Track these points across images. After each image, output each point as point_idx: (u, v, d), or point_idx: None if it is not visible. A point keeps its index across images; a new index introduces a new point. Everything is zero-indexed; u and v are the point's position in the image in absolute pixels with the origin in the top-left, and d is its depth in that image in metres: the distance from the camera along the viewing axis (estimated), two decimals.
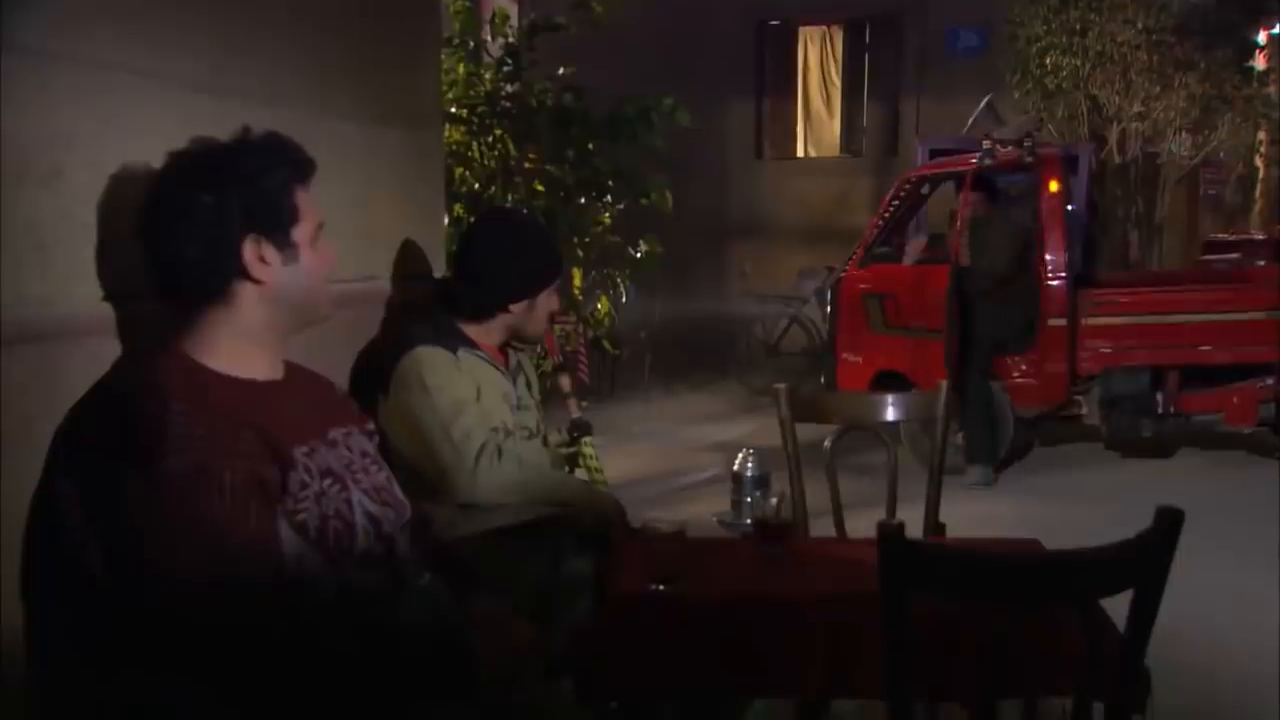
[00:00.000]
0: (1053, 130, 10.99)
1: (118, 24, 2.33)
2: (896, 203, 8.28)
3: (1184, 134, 11.22)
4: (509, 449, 2.95)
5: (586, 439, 3.69)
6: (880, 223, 8.25)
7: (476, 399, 2.97)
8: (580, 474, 3.75)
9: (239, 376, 1.97)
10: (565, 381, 3.85)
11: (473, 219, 4.74)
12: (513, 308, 3.13)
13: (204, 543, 1.74)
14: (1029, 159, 7.85)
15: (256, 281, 1.99)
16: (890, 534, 1.97)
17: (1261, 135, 12.07)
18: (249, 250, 1.97)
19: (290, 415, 1.98)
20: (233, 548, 1.76)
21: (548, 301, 3.20)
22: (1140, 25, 10.59)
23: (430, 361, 2.93)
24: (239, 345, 1.99)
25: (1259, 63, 11.37)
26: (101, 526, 1.73)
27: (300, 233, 2.03)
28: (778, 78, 14.33)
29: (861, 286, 8.09)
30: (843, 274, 8.26)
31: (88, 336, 2.16)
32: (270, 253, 1.99)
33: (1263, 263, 8.35)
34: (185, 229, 1.94)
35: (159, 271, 1.97)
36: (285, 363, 2.11)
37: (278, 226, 2.00)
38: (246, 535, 1.78)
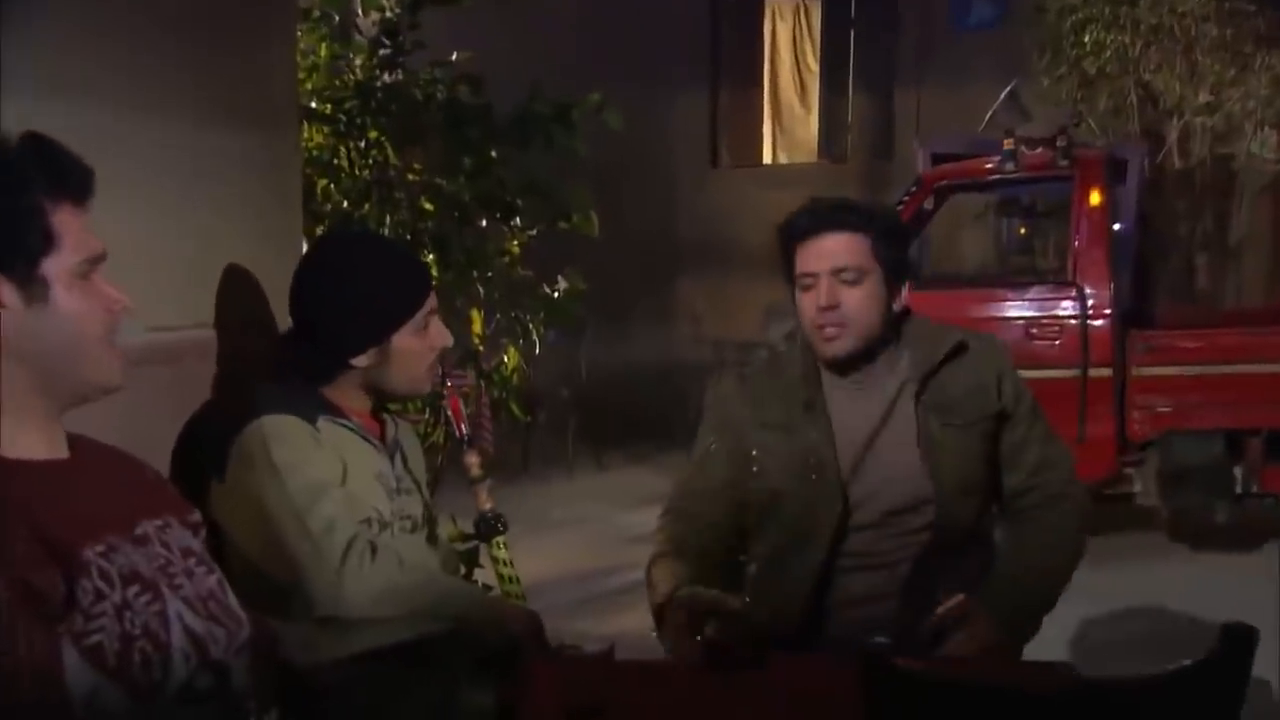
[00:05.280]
0: (1094, 127, 11.10)
1: None
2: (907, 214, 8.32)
3: (1267, 130, 11.30)
4: (386, 544, 2.94)
5: (499, 540, 3.68)
6: None
7: (342, 481, 2.96)
8: (483, 578, 3.74)
9: (4, 455, 1.95)
10: (474, 461, 3.81)
11: None
12: (356, 361, 3.08)
13: None
14: (1063, 163, 7.96)
15: None
16: (874, 659, 1.98)
17: None
18: None
19: (79, 504, 1.96)
20: None
21: (414, 343, 3.12)
22: None
23: (280, 433, 2.91)
24: None
25: None
26: None
27: (56, 265, 1.98)
28: (738, 64, 14.48)
29: None
30: None
31: None
32: (7, 291, 1.95)
33: None
34: None
35: None
36: (73, 436, 2.08)
37: (17, 257, 1.95)
38: (17, 666, 1.76)
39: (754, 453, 3.44)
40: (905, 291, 3.35)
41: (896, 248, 3.35)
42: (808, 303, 3.31)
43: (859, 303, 3.26)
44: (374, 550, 2.89)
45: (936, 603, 3.20)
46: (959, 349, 3.34)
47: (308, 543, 2.83)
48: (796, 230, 3.36)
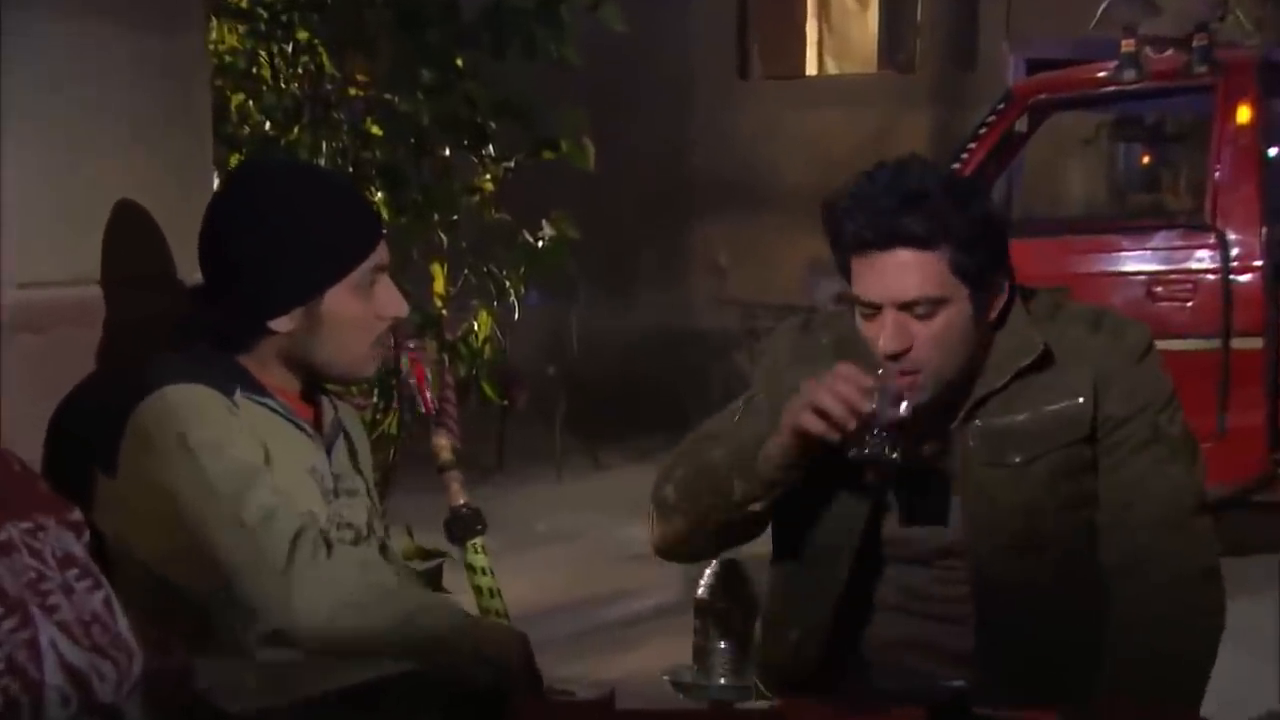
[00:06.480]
0: (1244, 20, 11.00)
1: None
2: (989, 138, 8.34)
3: None
4: (341, 542, 2.96)
5: (476, 543, 3.69)
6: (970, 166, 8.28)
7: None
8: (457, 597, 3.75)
9: None
10: (444, 446, 3.84)
11: None
12: (276, 325, 3.05)
13: None
14: (1201, 70, 7.95)
15: None
16: (948, 704, 1.99)
17: None
18: None
19: None
20: None
21: (353, 308, 3.08)
22: None
23: (190, 406, 2.89)
24: None
25: None
26: None
27: None
28: None
29: None
30: None
31: None
32: None
33: None
34: None
35: None
36: None
37: None
38: None
39: None
40: (1005, 294, 3.18)
41: (985, 250, 3.12)
42: (871, 333, 3.13)
43: (936, 339, 3.09)
44: (329, 545, 2.88)
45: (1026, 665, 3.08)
46: (1041, 361, 3.17)
47: (242, 537, 2.80)
48: (847, 238, 3.14)
